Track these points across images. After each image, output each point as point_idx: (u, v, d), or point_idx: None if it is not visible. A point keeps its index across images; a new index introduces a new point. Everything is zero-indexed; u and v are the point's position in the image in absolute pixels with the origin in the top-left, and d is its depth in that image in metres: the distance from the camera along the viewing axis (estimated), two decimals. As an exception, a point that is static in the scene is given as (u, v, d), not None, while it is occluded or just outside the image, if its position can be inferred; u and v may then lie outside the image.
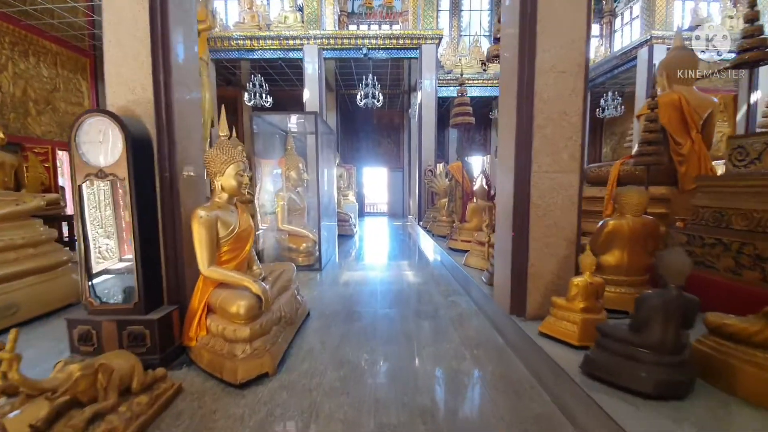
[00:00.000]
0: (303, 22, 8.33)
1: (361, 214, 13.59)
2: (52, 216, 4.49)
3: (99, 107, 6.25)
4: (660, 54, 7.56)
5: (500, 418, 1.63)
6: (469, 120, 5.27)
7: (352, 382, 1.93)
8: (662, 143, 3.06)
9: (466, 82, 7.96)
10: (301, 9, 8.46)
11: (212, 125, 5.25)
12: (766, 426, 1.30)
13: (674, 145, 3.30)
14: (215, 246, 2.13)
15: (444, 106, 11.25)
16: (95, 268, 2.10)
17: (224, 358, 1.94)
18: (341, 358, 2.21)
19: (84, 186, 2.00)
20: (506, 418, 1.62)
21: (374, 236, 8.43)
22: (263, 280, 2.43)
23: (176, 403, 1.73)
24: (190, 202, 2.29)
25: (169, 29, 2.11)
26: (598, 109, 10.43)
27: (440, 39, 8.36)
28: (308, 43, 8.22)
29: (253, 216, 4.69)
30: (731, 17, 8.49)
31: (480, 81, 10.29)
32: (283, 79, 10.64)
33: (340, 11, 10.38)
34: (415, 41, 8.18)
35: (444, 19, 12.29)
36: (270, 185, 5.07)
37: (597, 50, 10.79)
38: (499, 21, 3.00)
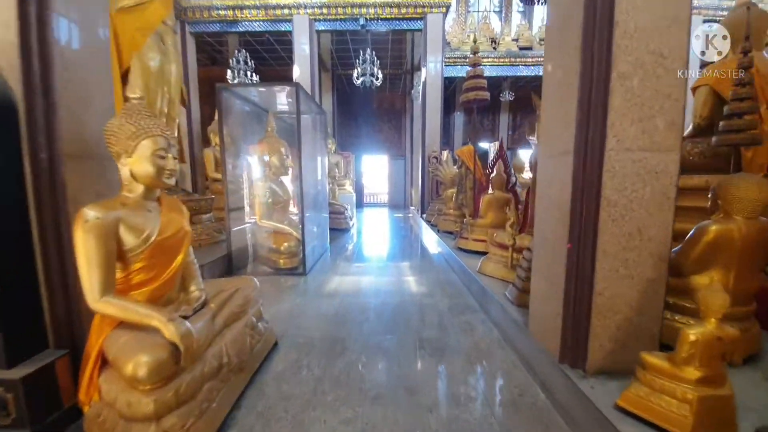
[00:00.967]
0: (293, -12, 7.39)
1: (360, 204, 12.87)
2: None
3: None
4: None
5: None
6: (483, 95, 4.44)
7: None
8: (757, 113, 2.23)
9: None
10: (290, -26, 7.49)
11: (184, 104, 4.46)
12: None
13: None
14: (113, 264, 1.36)
15: (450, 87, 10.32)
16: None
17: (112, 450, 1.21)
18: (308, 428, 1.47)
19: None
20: None
21: (372, 230, 7.66)
22: (203, 305, 1.69)
23: None
24: (87, 198, 1.53)
25: None
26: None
27: (447, 8, 7.39)
28: (298, 13, 7.30)
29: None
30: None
31: (489, 59, 9.33)
32: (273, 57, 9.74)
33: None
34: (419, 10, 7.24)
35: (451, -8, 11.25)
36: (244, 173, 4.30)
37: None
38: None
